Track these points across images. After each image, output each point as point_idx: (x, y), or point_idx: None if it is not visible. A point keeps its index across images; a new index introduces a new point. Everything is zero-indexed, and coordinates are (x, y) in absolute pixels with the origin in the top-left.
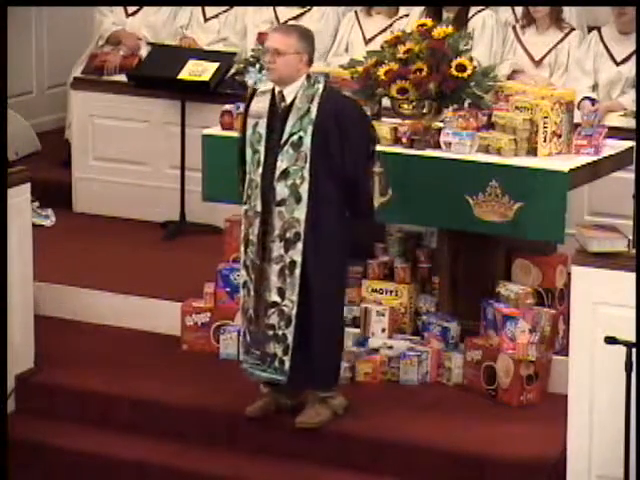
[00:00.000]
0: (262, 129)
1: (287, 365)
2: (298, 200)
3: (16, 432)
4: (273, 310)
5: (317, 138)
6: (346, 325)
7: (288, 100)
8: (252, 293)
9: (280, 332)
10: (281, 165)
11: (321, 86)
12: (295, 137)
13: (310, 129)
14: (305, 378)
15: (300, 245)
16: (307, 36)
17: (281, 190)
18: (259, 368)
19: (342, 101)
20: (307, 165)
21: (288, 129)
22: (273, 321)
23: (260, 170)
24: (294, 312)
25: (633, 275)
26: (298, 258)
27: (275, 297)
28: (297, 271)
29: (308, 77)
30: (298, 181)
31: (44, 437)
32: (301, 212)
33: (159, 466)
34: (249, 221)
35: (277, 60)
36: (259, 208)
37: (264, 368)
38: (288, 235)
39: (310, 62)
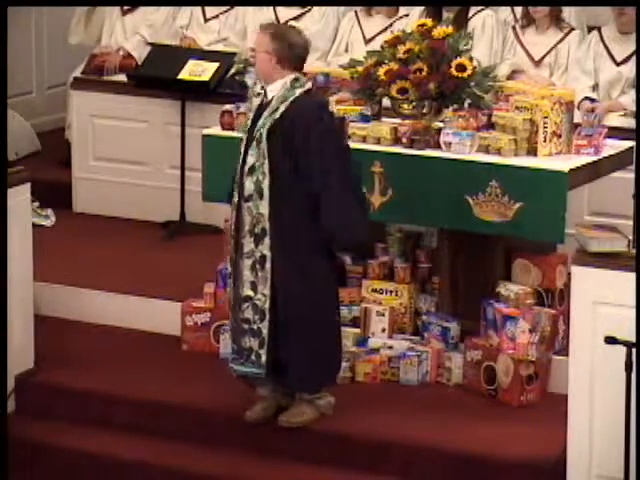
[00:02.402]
0: (248, 124)
1: (264, 358)
2: (261, 196)
3: (16, 432)
4: (247, 304)
5: (275, 137)
6: (345, 325)
7: (269, 98)
8: (232, 286)
9: (255, 326)
10: (249, 160)
11: (300, 90)
12: (258, 133)
13: (267, 126)
14: (285, 377)
15: (267, 240)
16: (280, 38)
17: (249, 186)
18: (238, 362)
19: (307, 107)
20: (266, 162)
21: (258, 125)
22: (248, 315)
23: (239, 165)
24: (267, 306)
25: (633, 275)
26: (268, 252)
27: (248, 291)
28: (267, 265)
29: (296, 80)
30: (261, 177)
31: (44, 437)
32: (264, 207)
33: (159, 466)
34: (230, 216)
35: (255, 57)
36: (236, 202)
37: (242, 362)
38: (257, 230)
39: (284, 64)
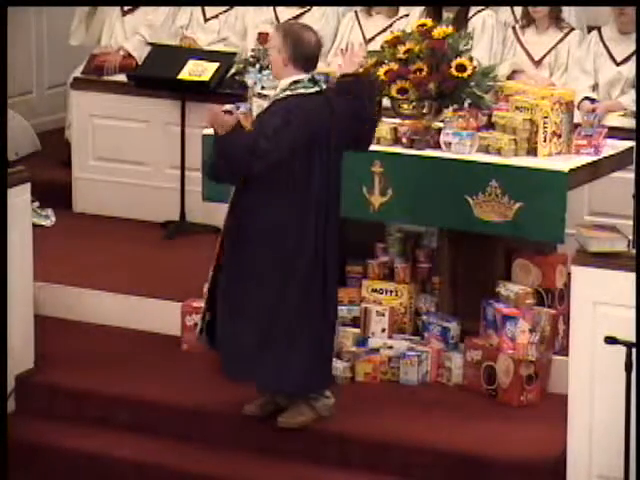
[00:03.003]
0: None
1: (198, 329)
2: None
3: (16, 432)
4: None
5: None
6: (345, 325)
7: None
8: None
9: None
10: None
11: (293, 93)
12: None
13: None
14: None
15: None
16: (290, 37)
17: None
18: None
19: (267, 113)
20: None
21: None
22: (205, 289)
23: None
24: (207, 287)
25: (633, 275)
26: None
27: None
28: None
29: (296, 82)
30: None
31: (44, 437)
32: (233, 194)
33: (159, 466)
34: None
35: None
36: None
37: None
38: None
39: (289, 63)
